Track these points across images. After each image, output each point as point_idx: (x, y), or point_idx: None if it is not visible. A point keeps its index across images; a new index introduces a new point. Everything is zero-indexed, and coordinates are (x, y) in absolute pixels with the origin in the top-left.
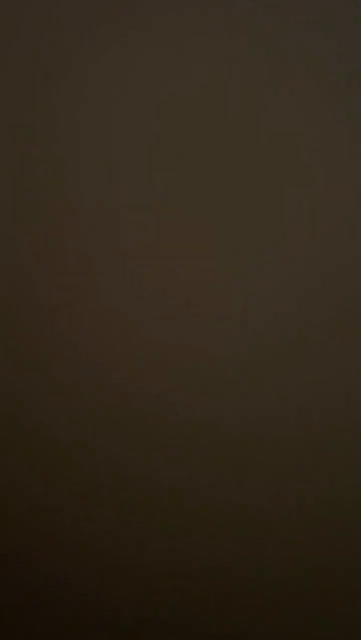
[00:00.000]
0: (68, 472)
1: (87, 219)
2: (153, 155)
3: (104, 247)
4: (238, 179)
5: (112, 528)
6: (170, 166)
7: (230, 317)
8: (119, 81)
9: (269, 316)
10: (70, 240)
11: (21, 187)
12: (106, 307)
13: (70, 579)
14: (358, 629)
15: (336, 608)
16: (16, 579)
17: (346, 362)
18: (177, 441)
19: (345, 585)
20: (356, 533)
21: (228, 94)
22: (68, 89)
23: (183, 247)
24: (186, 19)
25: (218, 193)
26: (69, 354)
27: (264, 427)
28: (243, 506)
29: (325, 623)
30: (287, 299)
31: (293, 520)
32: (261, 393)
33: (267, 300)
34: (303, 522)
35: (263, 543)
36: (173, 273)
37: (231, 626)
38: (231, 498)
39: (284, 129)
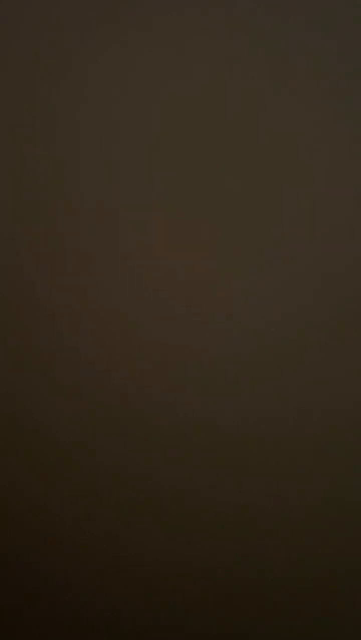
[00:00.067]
0: (68, 472)
1: (87, 219)
2: (153, 155)
3: (104, 247)
4: (238, 179)
5: (112, 528)
6: (170, 166)
7: (230, 317)
8: (119, 81)
9: (270, 316)
10: (70, 240)
11: (21, 187)
12: (106, 307)
13: (70, 579)
14: (358, 629)
15: (336, 608)
16: (16, 579)
17: (346, 362)
18: (177, 441)
19: (345, 585)
20: (356, 533)
21: (228, 94)
22: (68, 89)
23: (183, 247)
24: (186, 19)
25: (218, 193)
26: (69, 354)
27: (264, 427)
28: (243, 506)
29: (325, 623)
30: (287, 299)
31: (293, 520)
32: (261, 393)
33: (267, 301)
34: (303, 522)
35: (263, 543)
36: (173, 273)
37: (231, 626)
38: (231, 498)
39: (284, 129)
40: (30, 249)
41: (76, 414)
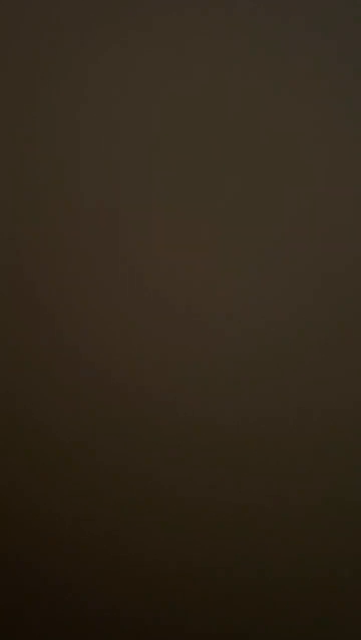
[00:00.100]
0: (68, 472)
1: (87, 219)
2: (153, 155)
3: (104, 247)
4: (238, 179)
5: (112, 528)
6: (170, 166)
7: (230, 317)
8: (119, 81)
9: (269, 316)
10: (70, 240)
11: (21, 187)
12: (106, 307)
13: (70, 579)
14: (358, 629)
15: (336, 608)
16: (16, 579)
17: (346, 362)
18: (177, 441)
19: (345, 585)
20: (356, 533)
21: (228, 94)
22: (68, 89)
23: (183, 247)
24: (186, 19)
25: (217, 193)
26: (69, 354)
27: (263, 427)
28: (243, 506)
29: (325, 623)
30: (287, 299)
31: (293, 520)
32: (261, 393)
33: (267, 301)
34: (303, 522)
35: (263, 543)
36: (173, 273)
37: (231, 626)
38: (231, 498)
39: (284, 129)
40: (30, 249)
41: (76, 414)
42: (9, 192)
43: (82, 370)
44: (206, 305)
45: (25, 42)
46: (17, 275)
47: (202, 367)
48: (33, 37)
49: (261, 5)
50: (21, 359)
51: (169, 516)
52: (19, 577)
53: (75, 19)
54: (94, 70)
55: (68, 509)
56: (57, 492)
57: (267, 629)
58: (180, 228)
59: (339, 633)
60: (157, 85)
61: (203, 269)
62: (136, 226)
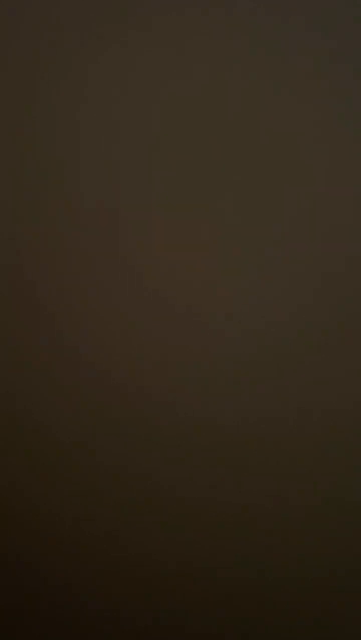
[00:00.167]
0: (68, 472)
1: (87, 219)
2: (153, 155)
3: (104, 247)
4: (238, 179)
5: (112, 528)
6: (170, 166)
7: (230, 317)
8: (119, 81)
9: (269, 316)
10: (70, 240)
11: (21, 187)
12: (106, 308)
13: (70, 579)
14: (358, 629)
15: (336, 608)
16: (16, 579)
17: (346, 362)
18: (177, 441)
19: (345, 585)
20: (356, 533)
21: (228, 94)
22: (68, 89)
23: (183, 248)
24: (186, 19)
25: (218, 193)
26: (69, 354)
27: (263, 427)
28: (243, 506)
29: (325, 623)
30: (287, 299)
31: (293, 520)
32: (261, 393)
33: (267, 301)
34: (303, 522)
35: (263, 543)
36: (173, 273)
37: (231, 626)
38: (231, 498)
39: (285, 129)
40: (30, 249)
41: (76, 414)
42: (9, 192)
43: (82, 370)
44: (206, 305)
45: (25, 42)
46: (17, 275)
47: (202, 367)
48: (33, 37)
49: (261, 5)
50: (21, 359)
51: (169, 516)
52: (19, 577)
53: (75, 19)
54: (94, 70)
55: (68, 509)
56: (57, 492)
57: (267, 629)
58: (180, 228)
59: (339, 633)
60: (157, 85)
61: (203, 269)
62: (136, 226)
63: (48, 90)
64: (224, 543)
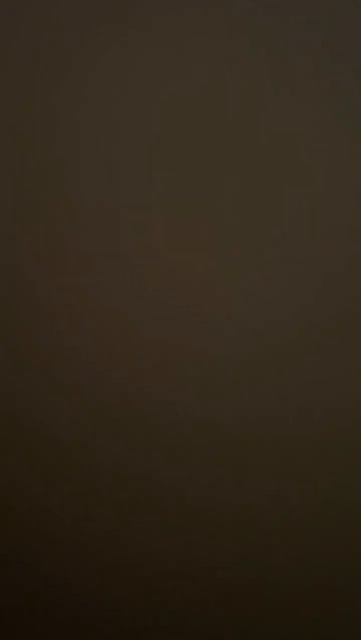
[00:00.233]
0: (68, 472)
1: (87, 219)
2: (153, 155)
3: (104, 247)
4: (238, 179)
5: (112, 528)
6: (170, 166)
7: (230, 317)
8: (119, 81)
9: (270, 316)
10: (70, 240)
11: (21, 187)
12: (106, 307)
13: (70, 579)
14: (358, 629)
15: (336, 608)
16: (16, 579)
17: (346, 362)
18: (177, 441)
19: (345, 585)
20: (356, 533)
21: (228, 94)
22: (68, 89)
23: (183, 247)
24: (186, 19)
25: (218, 193)
26: (69, 354)
27: (264, 427)
28: (243, 506)
29: (325, 623)
30: (287, 299)
31: (293, 520)
32: (261, 393)
33: (267, 301)
34: (303, 522)
35: (263, 543)
36: (173, 273)
37: (231, 626)
38: (231, 498)
39: (284, 129)
40: (30, 249)
41: (76, 414)
42: (9, 192)
43: (82, 370)
44: (206, 305)
45: (25, 42)
46: (17, 275)
47: (202, 367)
48: (33, 37)
49: (261, 5)
50: (21, 359)
51: (169, 516)
52: (19, 577)
53: (75, 19)
54: (94, 70)
55: (68, 509)
56: (57, 492)
57: (267, 629)
58: (180, 228)
59: (339, 633)
60: (157, 85)
61: (203, 269)
62: (136, 226)
63: (48, 90)
64: (224, 543)
